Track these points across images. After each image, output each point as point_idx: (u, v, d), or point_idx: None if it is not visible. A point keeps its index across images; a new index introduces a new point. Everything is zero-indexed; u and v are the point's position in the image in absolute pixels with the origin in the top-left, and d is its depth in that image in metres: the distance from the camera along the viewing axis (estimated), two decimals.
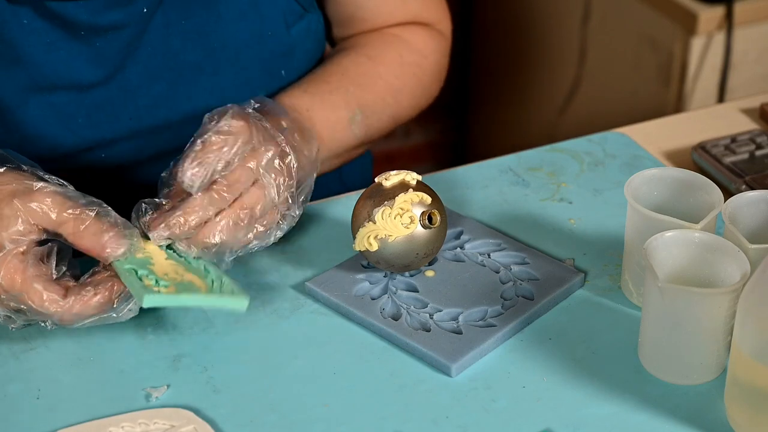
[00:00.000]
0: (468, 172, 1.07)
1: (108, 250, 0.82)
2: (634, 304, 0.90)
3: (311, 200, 0.96)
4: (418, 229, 0.88)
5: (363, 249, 0.89)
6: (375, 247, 0.88)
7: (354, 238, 0.90)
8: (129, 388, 0.83)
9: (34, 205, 0.82)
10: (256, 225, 0.86)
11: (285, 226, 0.89)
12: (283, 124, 0.92)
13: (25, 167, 0.86)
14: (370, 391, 0.83)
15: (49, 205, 0.82)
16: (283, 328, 0.88)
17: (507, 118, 2.35)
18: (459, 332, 0.86)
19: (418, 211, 0.88)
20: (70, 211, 0.82)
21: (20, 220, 0.81)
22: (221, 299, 0.83)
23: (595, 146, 1.10)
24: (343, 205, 1.01)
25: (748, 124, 1.15)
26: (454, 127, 2.51)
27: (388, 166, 2.21)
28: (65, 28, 0.94)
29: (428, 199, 0.89)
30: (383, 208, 0.88)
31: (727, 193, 0.99)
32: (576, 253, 0.96)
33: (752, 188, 1.00)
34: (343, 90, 1.03)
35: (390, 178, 0.90)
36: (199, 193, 0.84)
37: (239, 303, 0.83)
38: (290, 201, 0.89)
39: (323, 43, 1.11)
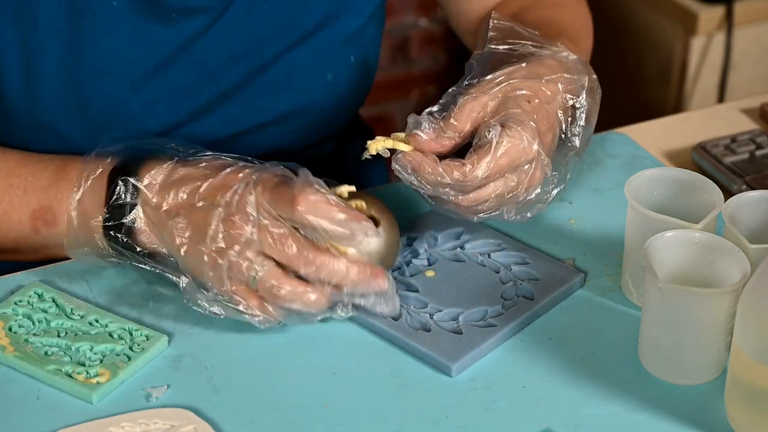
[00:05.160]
0: None
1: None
2: (634, 304, 0.90)
3: None
4: (365, 242, 0.84)
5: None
6: None
7: None
8: (129, 388, 0.83)
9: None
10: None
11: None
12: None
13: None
14: (370, 391, 0.83)
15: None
16: (283, 328, 0.88)
17: None
18: (459, 332, 0.86)
19: None
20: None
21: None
22: (144, 355, 0.84)
23: (595, 146, 1.10)
24: None
25: (748, 124, 1.15)
26: None
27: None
28: (152, 10, 0.95)
29: (362, 206, 0.86)
30: None
31: (727, 193, 0.99)
32: (576, 253, 0.96)
33: (752, 188, 1.00)
34: None
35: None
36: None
37: (159, 344, 0.85)
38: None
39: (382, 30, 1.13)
